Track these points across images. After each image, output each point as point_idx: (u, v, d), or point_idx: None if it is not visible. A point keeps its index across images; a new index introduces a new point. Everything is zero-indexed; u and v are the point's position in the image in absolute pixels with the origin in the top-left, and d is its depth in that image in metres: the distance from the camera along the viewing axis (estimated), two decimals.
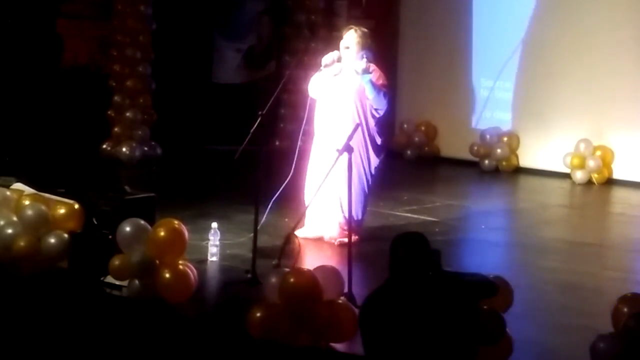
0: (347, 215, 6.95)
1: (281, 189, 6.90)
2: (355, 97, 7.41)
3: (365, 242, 7.39)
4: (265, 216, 7.00)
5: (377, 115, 7.45)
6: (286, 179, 6.99)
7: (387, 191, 9.92)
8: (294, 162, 7.01)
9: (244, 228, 7.43)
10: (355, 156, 7.26)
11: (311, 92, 7.39)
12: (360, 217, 7.56)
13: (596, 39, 11.05)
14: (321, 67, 7.35)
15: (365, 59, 7.35)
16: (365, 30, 7.56)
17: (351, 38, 7.44)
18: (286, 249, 6.27)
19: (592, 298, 6.52)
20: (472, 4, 12.00)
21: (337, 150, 6.35)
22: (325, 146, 7.40)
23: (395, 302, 4.30)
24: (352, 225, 7.43)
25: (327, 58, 7.37)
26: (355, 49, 7.42)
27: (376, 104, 7.40)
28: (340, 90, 7.42)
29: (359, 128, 7.25)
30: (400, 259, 4.33)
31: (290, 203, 7.70)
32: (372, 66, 7.44)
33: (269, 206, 6.99)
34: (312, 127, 7.57)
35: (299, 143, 7.28)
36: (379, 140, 7.49)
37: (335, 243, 7.45)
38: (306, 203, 7.44)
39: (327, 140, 7.43)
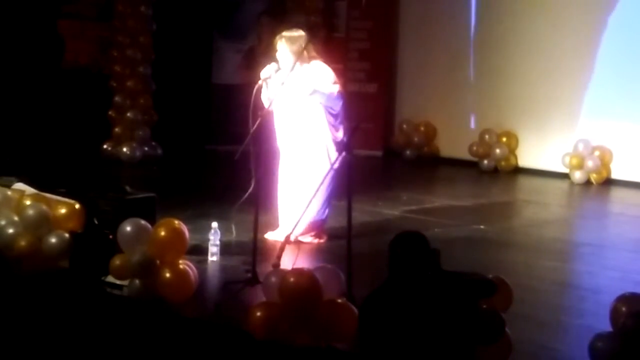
0: (315, 215, 7.30)
1: (247, 194, 6.85)
2: (306, 104, 7.43)
3: (365, 242, 7.40)
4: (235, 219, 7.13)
5: (334, 112, 7.45)
6: (253, 183, 6.89)
7: (387, 191, 9.96)
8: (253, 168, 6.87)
9: (244, 228, 7.45)
10: (316, 155, 7.42)
11: (265, 105, 7.27)
12: (324, 217, 7.62)
13: (596, 39, 11.07)
14: (259, 82, 7.23)
15: (311, 78, 7.36)
16: (296, 34, 7.44)
17: (283, 49, 7.37)
18: (285, 249, 6.28)
19: (590, 297, 6.54)
20: (472, 3, 12.02)
21: (337, 150, 6.37)
22: (291, 151, 7.52)
23: (394, 301, 4.31)
24: (323, 225, 7.61)
25: (265, 72, 7.28)
26: (292, 58, 7.32)
27: (330, 105, 7.44)
28: (289, 100, 7.41)
29: (315, 127, 7.40)
30: (400, 258, 4.35)
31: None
32: (319, 68, 7.43)
33: (238, 208, 7.01)
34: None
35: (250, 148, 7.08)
36: (337, 137, 7.49)
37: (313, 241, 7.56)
38: (281, 206, 7.56)
39: (290, 146, 7.52)
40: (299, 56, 7.30)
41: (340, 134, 7.50)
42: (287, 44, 7.36)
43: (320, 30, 12.05)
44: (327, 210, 7.62)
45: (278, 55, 7.40)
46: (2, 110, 11.21)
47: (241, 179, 6.97)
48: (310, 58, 7.45)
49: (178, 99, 12.01)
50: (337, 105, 7.47)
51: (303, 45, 7.34)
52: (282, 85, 7.18)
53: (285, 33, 7.47)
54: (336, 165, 6.77)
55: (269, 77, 7.28)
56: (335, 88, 7.43)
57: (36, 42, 11.69)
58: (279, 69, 7.32)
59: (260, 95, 7.26)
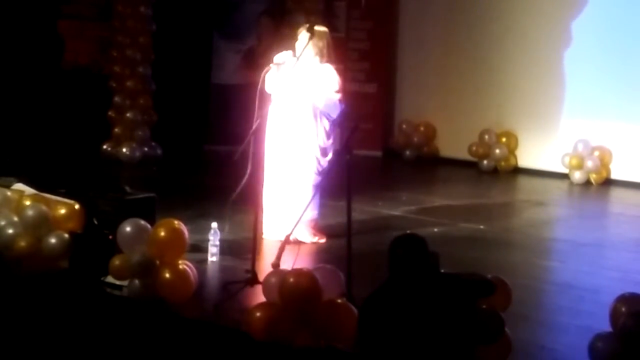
0: (309, 213, 7.27)
1: (238, 191, 6.85)
2: (304, 101, 7.47)
3: (364, 242, 7.40)
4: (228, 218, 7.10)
5: (331, 118, 7.49)
6: (243, 180, 6.89)
7: (386, 191, 9.95)
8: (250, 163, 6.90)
9: (244, 228, 7.45)
10: (304, 156, 7.46)
11: (267, 88, 7.36)
12: (317, 216, 7.64)
13: (597, 40, 11.08)
14: (271, 65, 7.31)
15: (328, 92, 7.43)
16: (322, 29, 7.55)
17: (305, 39, 7.43)
18: (285, 249, 6.28)
19: (590, 298, 6.53)
20: (472, 4, 12.01)
21: (335, 151, 6.38)
22: (280, 146, 7.51)
23: (394, 301, 4.32)
24: (316, 224, 7.62)
25: (280, 58, 7.37)
26: (312, 52, 7.42)
27: (327, 112, 7.48)
28: (294, 90, 7.44)
29: (314, 128, 7.42)
30: (400, 260, 4.35)
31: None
32: (328, 72, 7.48)
33: (229, 207, 6.99)
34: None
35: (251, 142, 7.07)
36: (325, 143, 7.52)
37: (309, 242, 7.57)
38: (266, 205, 7.52)
39: (281, 140, 7.52)
40: (319, 51, 7.43)
41: (329, 142, 7.52)
42: (310, 36, 7.40)
43: None
44: (318, 209, 7.63)
45: (297, 44, 7.43)
46: (1, 110, 11.20)
47: (240, 179, 6.97)
48: (327, 58, 7.52)
49: (178, 99, 12.00)
50: (335, 113, 7.48)
51: (326, 43, 7.48)
52: (292, 74, 7.26)
53: (313, 26, 7.56)
54: (329, 165, 6.78)
55: (283, 63, 7.31)
56: (337, 96, 7.45)
57: (36, 42, 11.68)
58: (293, 57, 7.35)
59: (266, 80, 7.30)
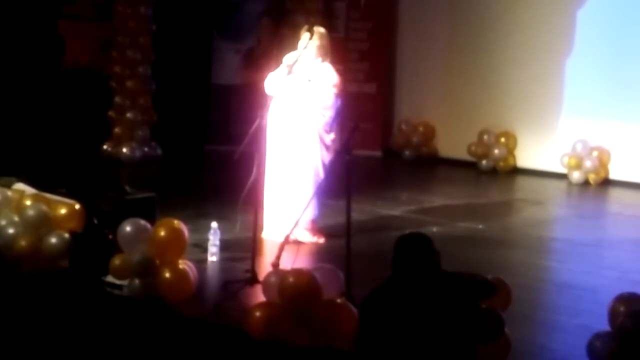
0: (309, 213, 7.29)
1: (246, 190, 6.88)
2: (307, 98, 7.51)
3: (364, 242, 7.42)
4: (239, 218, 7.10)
5: (324, 115, 7.53)
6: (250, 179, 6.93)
7: (386, 191, 9.97)
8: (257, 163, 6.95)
9: (244, 228, 7.46)
10: (308, 155, 7.50)
11: (267, 89, 7.45)
12: (316, 217, 7.66)
13: (596, 40, 11.09)
14: (283, 66, 7.42)
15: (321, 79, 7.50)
16: (323, 31, 7.66)
17: (306, 40, 7.50)
18: (285, 249, 6.30)
19: (589, 297, 6.55)
20: (471, 4, 12.02)
21: (335, 151, 6.40)
22: (280, 146, 7.54)
23: (396, 300, 4.33)
24: (316, 224, 7.63)
25: (290, 58, 7.45)
26: (313, 52, 7.51)
27: (322, 106, 7.53)
28: (293, 89, 7.50)
29: (313, 127, 7.47)
30: (405, 258, 4.36)
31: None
32: (326, 69, 7.55)
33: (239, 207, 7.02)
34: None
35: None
36: (327, 140, 7.57)
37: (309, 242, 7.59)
38: (267, 205, 7.55)
39: (281, 140, 7.55)
40: (319, 51, 7.51)
41: (329, 138, 7.56)
42: (314, 37, 7.50)
43: None
44: (318, 209, 7.65)
45: (300, 43, 7.50)
46: (2, 110, 11.21)
47: (240, 179, 6.99)
48: (327, 58, 7.58)
49: (177, 100, 12.01)
50: (328, 109, 7.52)
51: (326, 43, 7.59)
52: (293, 72, 7.34)
53: (313, 27, 7.68)
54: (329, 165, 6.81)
55: (293, 64, 7.39)
56: (332, 90, 7.48)
57: (36, 42, 11.69)
58: (299, 57, 7.42)
59: (270, 80, 7.40)
